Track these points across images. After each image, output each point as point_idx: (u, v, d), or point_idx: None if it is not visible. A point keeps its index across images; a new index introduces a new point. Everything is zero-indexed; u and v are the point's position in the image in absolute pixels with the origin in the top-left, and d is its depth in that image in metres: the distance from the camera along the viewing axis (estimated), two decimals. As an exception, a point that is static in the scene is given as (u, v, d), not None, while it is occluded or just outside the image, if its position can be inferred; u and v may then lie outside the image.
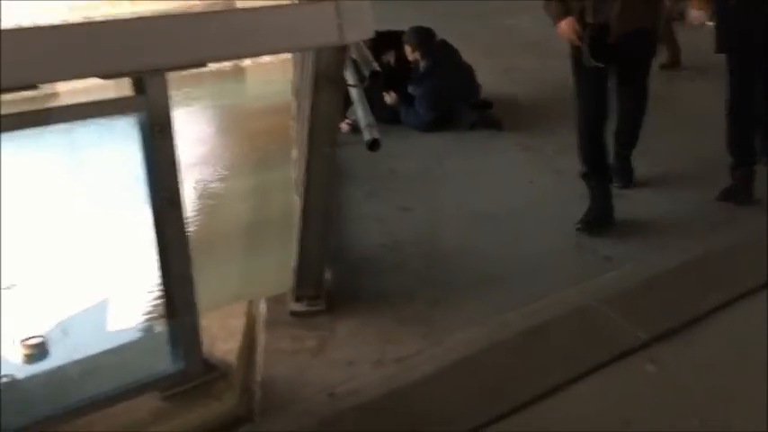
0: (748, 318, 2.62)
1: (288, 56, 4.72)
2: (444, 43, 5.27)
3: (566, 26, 3.39)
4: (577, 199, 3.73)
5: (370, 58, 2.42)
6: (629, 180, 3.88)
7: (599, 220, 3.39)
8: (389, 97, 5.17)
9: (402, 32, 5.37)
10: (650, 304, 2.75)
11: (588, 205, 3.44)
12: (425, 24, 5.34)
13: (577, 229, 3.36)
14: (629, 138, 3.85)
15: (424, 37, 5.17)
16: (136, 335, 2.61)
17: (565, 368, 2.44)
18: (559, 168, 4.18)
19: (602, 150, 3.53)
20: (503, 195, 3.93)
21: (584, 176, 3.52)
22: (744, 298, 2.73)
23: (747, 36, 3.45)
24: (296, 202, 2.79)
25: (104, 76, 1.95)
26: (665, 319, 2.62)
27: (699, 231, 3.27)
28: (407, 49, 5.19)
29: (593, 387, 2.34)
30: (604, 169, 3.54)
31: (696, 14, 4.98)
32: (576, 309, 2.76)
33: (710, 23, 4.61)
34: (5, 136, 1.87)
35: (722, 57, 3.58)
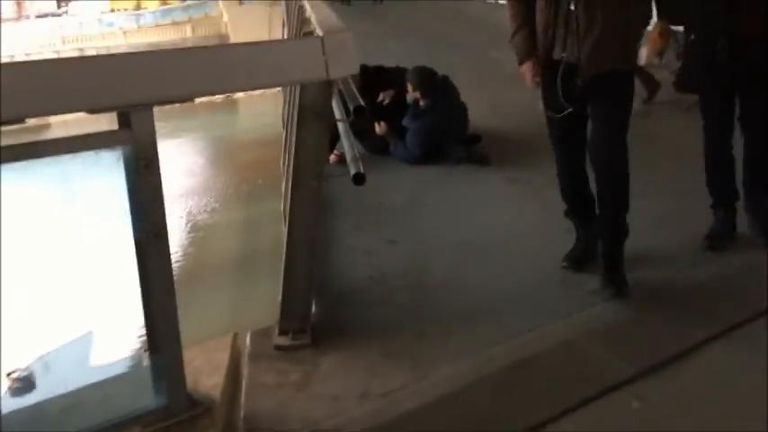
0: (733, 352, 2.63)
1: (278, 89, 4.76)
2: (446, 80, 5.33)
3: (526, 70, 3.12)
4: (564, 232, 3.75)
5: (356, 93, 2.44)
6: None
7: (583, 257, 3.34)
8: (380, 128, 5.21)
9: (399, 69, 5.44)
10: (636, 339, 2.75)
11: (574, 241, 3.43)
12: (412, 56, 5.41)
13: (563, 267, 3.35)
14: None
15: (426, 78, 5.23)
16: (119, 369, 2.59)
17: (551, 403, 2.43)
18: (546, 201, 4.20)
19: (583, 192, 3.34)
20: (490, 228, 3.95)
21: (567, 214, 3.47)
22: (728, 332, 2.73)
23: (710, 74, 3.37)
24: (284, 234, 2.79)
25: (90, 111, 1.96)
26: (651, 354, 2.62)
27: (683, 266, 3.29)
28: (409, 88, 5.24)
29: (579, 423, 2.33)
30: (587, 209, 3.34)
31: (646, 53, 5.18)
32: (563, 343, 2.76)
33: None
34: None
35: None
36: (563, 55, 2.98)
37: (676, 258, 3.37)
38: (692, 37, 3.58)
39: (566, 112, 3.03)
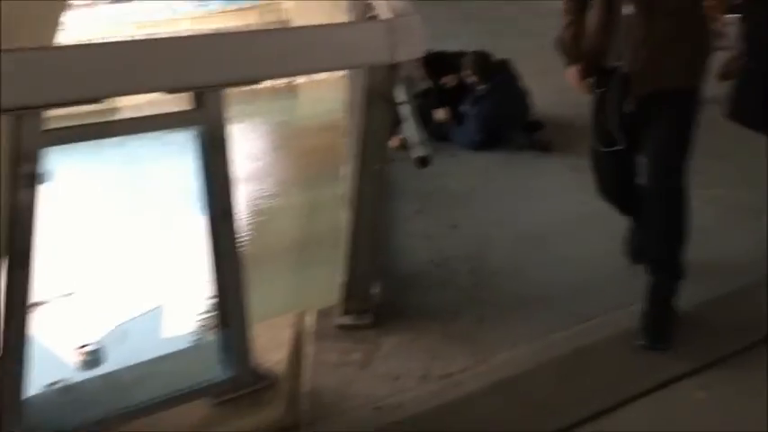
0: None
1: (340, 73, 4.81)
2: (504, 65, 5.27)
3: (572, 76, 2.69)
4: (626, 222, 3.69)
5: (422, 75, 2.45)
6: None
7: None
8: (441, 113, 5.20)
9: (461, 54, 5.43)
10: (700, 329, 2.70)
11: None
12: (480, 42, 5.37)
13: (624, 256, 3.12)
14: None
15: (480, 62, 5.19)
16: (188, 342, 2.68)
17: (611, 392, 2.41)
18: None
19: (631, 200, 2.91)
20: (551, 216, 3.91)
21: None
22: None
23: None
24: (344, 217, 2.83)
25: (168, 91, 2.03)
26: (717, 346, 2.57)
27: (753, 260, 3.19)
28: (466, 72, 5.22)
29: (640, 412, 2.31)
30: (639, 207, 2.88)
31: None
32: (624, 332, 2.72)
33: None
34: (69, 147, 1.95)
35: None
36: (618, 64, 2.49)
37: (746, 252, 3.27)
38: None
39: (615, 148, 2.56)
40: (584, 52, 2.61)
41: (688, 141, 2.54)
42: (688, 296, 2.78)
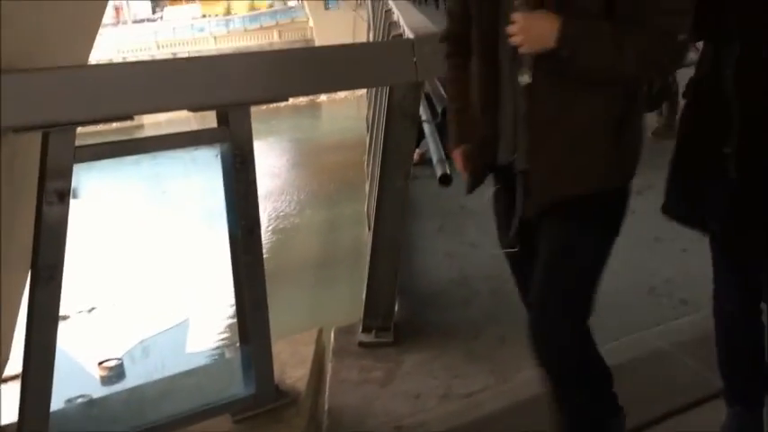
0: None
1: (361, 91, 4.84)
2: None
3: (457, 157, 1.89)
4: (652, 241, 3.66)
5: (444, 94, 2.47)
6: None
7: None
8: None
9: None
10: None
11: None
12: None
13: None
14: None
15: None
16: (211, 358, 2.69)
17: (637, 413, 2.37)
18: (634, 208, 4.10)
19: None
20: (575, 234, 3.88)
21: None
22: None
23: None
24: (367, 235, 2.84)
25: (192, 109, 2.06)
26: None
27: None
28: None
29: (661, 432, 2.27)
30: None
31: None
32: (651, 352, 2.69)
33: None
34: (97, 164, 1.98)
35: None
36: (511, 159, 1.69)
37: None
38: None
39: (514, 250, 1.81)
40: (470, 132, 1.80)
41: (585, 274, 1.81)
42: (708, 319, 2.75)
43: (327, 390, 2.55)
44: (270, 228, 8.85)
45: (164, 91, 1.95)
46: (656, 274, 3.30)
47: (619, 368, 2.60)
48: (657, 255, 3.50)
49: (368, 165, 5.04)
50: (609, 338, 2.78)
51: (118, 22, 29.78)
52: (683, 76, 1.92)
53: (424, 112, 2.72)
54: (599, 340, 2.74)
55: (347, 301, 3.27)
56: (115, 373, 4.87)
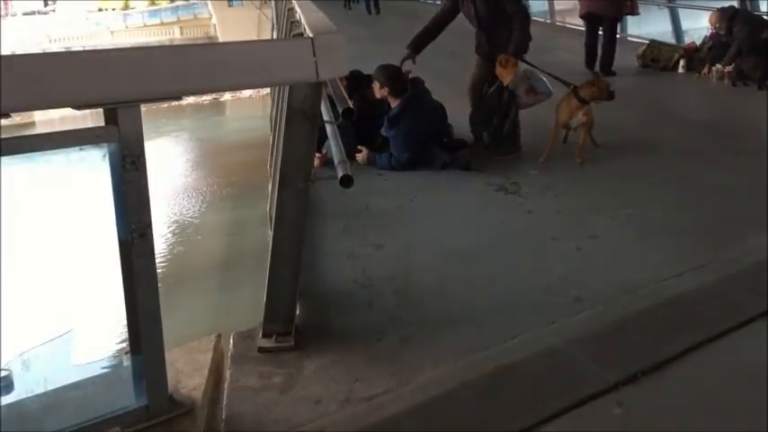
0: (716, 361, 2.64)
1: (265, 90, 4.76)
2: (415, 81, 5.27)
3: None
4: (549, 240, 3.77)
5: (345, 95, 2.44)
6: None
7: None
8: (360, 156, 5.16)
9: (362, 74, 5.41)
10: (619, 346, 2.76)
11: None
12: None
13: None
14: None
15: (392, 74, 5.15)
16: (99, 369, 2.57)
17: (534, 410, 2.42)
18: (532, 208, 4.22)
19: None
20: (475, 234, 3.95)
21: None
22: (712, 341, 2.74)
23: None
24: (270, 236, 2.78)
25: (75, 107, 1.94)
26: (634, 362, 2.63)
27: (667, 273, 3.30)
28: (376, 86, 5.17)
29: (561, 429, 2.33)
30: None
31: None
32: (547, 350, 2.75)
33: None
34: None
35: None
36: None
37: (661, 266, 3.38)
38: None
39: None
40: None
41: None
42: (601, 315, 2.85)
43: (225, 398, 2.48)
44: (170, 230, 8.57)
45: (41, 86, 1.82)
46: (551, 273, 3.39)
47: (515, 366, 2.67)
48: (553, 253, 3.60)
49: (271, 165, 4.96)
50: (506, 336, 2.85)
51: (6, 15, 28.20)
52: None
53: (326, 113, 2.68)
54: (496, 339, 2.81)
55: (250, 305, 3.19)
56: (4, 384, 4.58)
